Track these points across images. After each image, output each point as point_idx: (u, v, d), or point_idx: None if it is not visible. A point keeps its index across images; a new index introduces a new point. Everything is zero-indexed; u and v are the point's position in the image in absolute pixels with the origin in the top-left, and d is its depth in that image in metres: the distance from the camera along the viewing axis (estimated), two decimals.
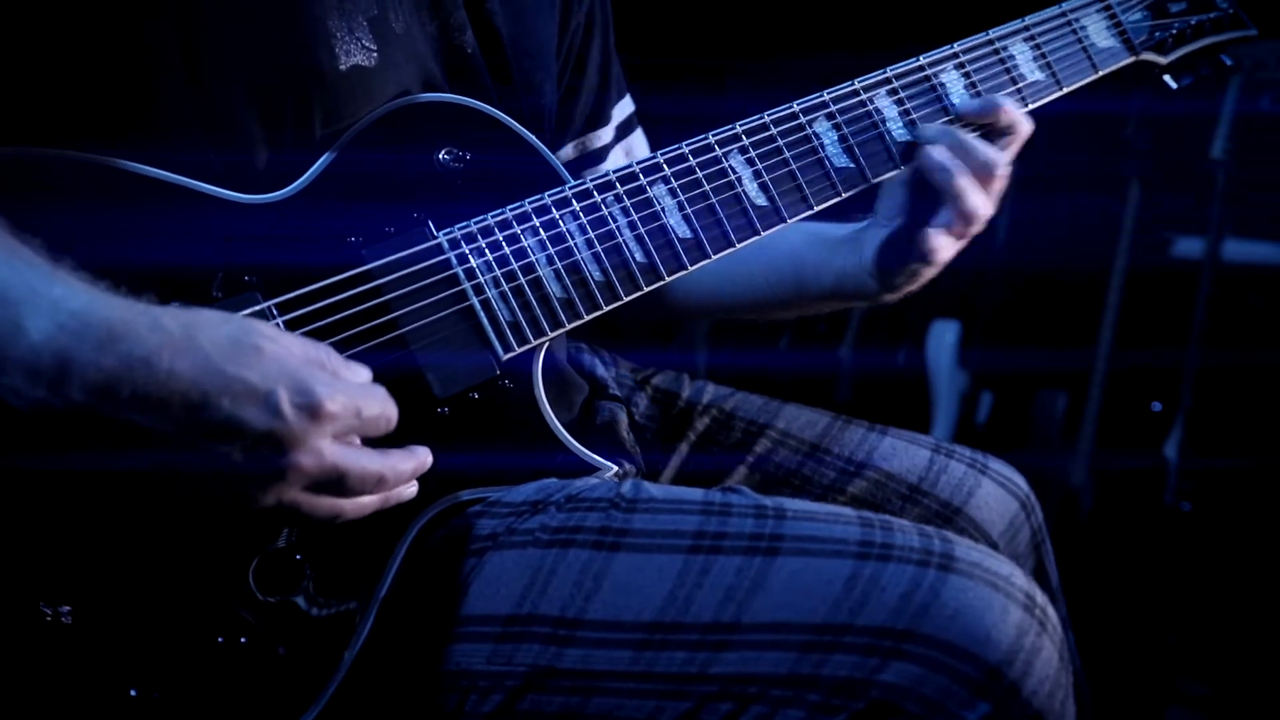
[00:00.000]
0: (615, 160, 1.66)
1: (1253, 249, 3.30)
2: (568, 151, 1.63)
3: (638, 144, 1.70)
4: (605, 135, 1.65)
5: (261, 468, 0.99)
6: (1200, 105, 3.12)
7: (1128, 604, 2.97)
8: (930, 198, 1.40)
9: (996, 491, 1.50)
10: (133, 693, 1.07)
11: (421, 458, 1.11)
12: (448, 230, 1.23)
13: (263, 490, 1.01)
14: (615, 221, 1.29)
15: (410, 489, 1.12)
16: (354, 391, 1.04)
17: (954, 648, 1.06)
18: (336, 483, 1.03)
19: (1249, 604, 2.91)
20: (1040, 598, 1.13)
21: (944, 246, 1.40)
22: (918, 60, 1.44)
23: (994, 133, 1.43)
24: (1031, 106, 1.48)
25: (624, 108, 1.68)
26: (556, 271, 1.26)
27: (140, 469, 1.00)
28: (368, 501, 1.08)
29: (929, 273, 1.45)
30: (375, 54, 1.27)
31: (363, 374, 1.08)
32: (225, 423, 0.98)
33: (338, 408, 1.01)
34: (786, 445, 1.55)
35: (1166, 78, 1.61)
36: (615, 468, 1.29)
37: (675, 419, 1.60)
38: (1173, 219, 3.38)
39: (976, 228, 1.42)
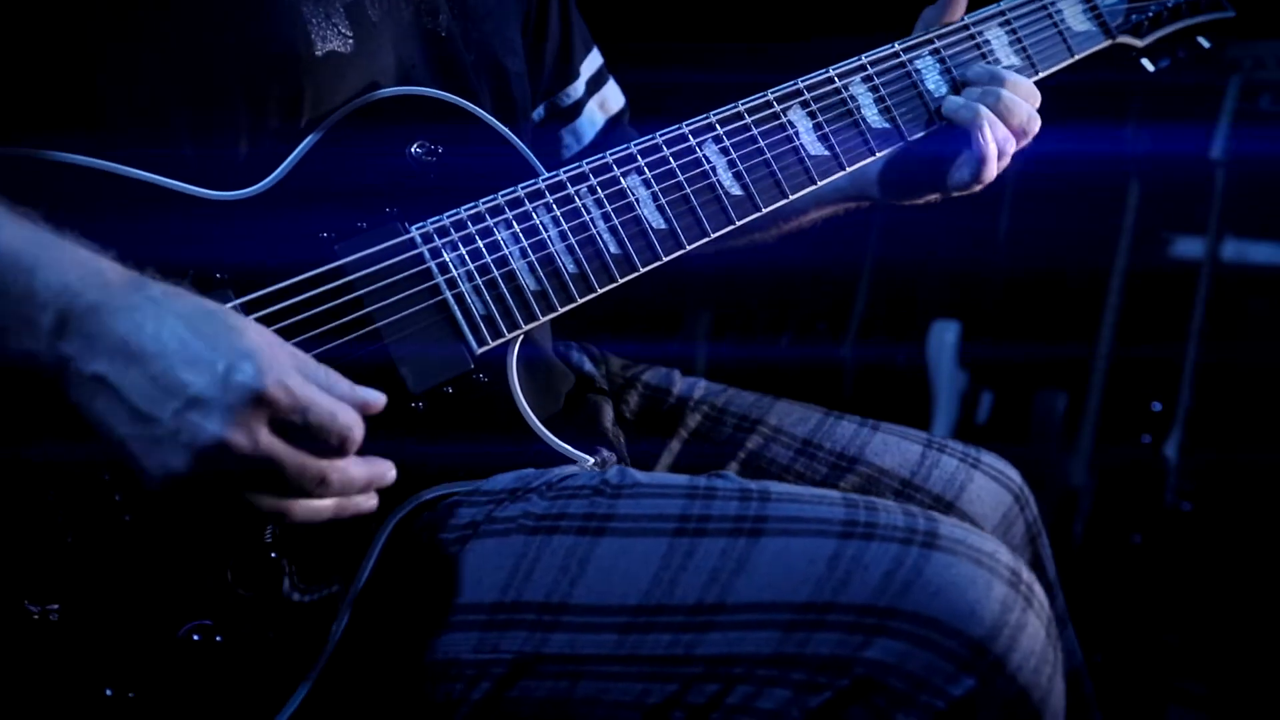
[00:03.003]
0: (591, 114, 1.66)
1: (1252, 249, 3.28)
2: (538, 112, 1.62)
3: (611, 96, 1.70)
4: (576, 90, 1.65)
5: (192, 436, 0.97)
6: (1200, 105, 3.11)
7: (1127, 603, 2.96)
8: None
9: (989, 485, 1.50)
10: (108, 691, 1.07)
11: (380, 469, 1.07)
12: (420, 225, 1.23)
13: (198, 463, 0.98)
14: (589, 213, 1.29)
15: (370, 501, 1.08)
16: (309, 390, 1.01)
17: (938, 623, 1.06)
18: (273, 475, 1.00)
19: (1249, 604, 2.89)
20: (1026, 574, 1.12)
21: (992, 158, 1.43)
22: (893, 47, 1.44)
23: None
24: None
25: (593, 61, 1.68)
26: (530, 264, 1.26)
27: (99, 431, 1.00)
28: (319, 506, 1.04)
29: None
30: (351, 40, 1.27)
31: (341, 387, 1.05)
32: (166, 380, 0.98)
33: (280, 394, 0.99)
34: (778, 441, 1.55)
35: (1144, 60, 1.61)
36: (591, 459, 1.29)
37: (666, 415, 1.60)
38: (1172, 219, 3.36)
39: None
